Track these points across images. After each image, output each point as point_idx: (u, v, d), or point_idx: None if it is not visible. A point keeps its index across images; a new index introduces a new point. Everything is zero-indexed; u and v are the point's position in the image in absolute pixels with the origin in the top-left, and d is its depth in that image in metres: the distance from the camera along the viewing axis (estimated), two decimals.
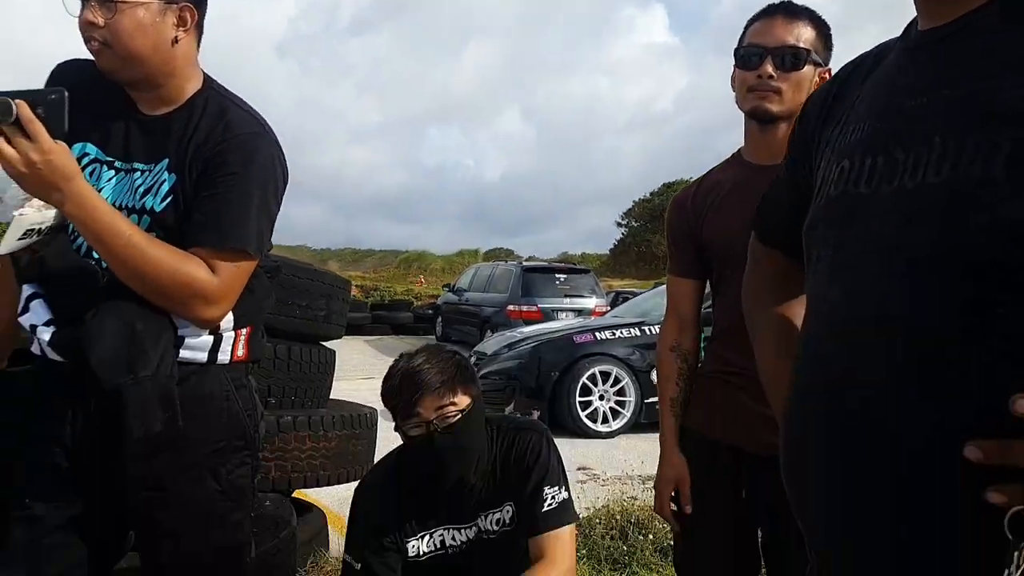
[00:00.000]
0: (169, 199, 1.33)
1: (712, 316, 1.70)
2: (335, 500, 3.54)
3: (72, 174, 1.19)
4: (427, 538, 1.65)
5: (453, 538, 1.66)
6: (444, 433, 1.54)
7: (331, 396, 3.16)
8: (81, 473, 1.33)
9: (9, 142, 1.15)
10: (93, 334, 1.24)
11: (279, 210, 1.44)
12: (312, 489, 2.79)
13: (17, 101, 1.16)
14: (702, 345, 1.75)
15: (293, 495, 2.97)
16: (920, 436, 0.64)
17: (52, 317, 1.31)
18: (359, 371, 8.35)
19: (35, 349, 1.34)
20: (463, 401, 1.58)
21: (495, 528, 1.66)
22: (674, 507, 1.66)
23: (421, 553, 1.64)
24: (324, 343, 2.95)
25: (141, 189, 1.34)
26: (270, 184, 1.38)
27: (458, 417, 1.55)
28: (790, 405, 0.82)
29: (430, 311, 15.93)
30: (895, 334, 0.67)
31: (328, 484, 2.60)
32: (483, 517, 1.66)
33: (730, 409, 1.56)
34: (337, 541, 1.78)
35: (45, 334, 1.30)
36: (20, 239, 1.31)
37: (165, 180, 1.33)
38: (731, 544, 1.59)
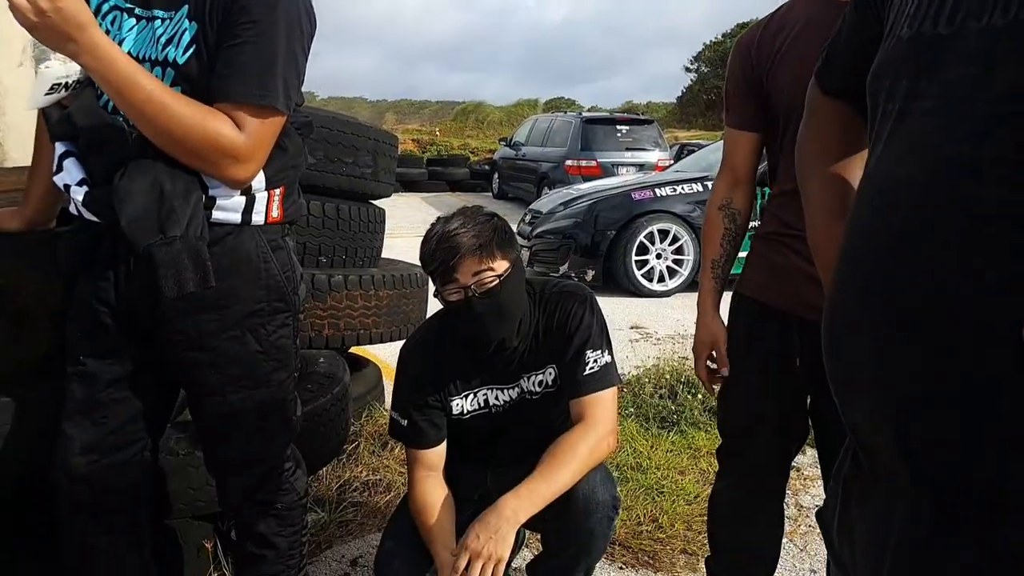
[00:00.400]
0: (191, 49, 1.25)
1: (776, 174, 1.58)
2: (392, 355, 3.65)
3: (85, 23, 1.12)
4: (470, 397, 1.66)
5: (496, 398, 1.67)
6: (482, 298, 1.51)
7: (386, 254, 3.17)
8: (127, 332, 1.35)
9: None
10: (122, 195, 1.21)
11: (307, 59, 1.35)
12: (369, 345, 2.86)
13: None
14: (757, 204, 1.64)
15: (350, 351, 3.07)
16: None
17: (84, 176, 1.29)
18: (415, 229, 8.41)
19: (72, 209, 1.33)
20: (501, 266, 1.53)
21: (537, 389, 1.66)
22: (712, 366, 1.64)
23: (465, 411, 1.67)
24: (373, 201, 2.92)
25: (163, 39, 1.27)
26: (295, 31, 1.28)
27: (495, 282, 1.51)
28: (839, 271, 0.74)
29: (486, 167, 15.77)
30: (970, 205, 0.58)
31: (380, 341, 2.65)
32: (525, 378, 1.66)
33: (785, 273, 1.48)
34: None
35: (78, 194, 1.28)
36: (47, 94, 1.27)
37: (186, 29, 1.25)
38: (775, 408, 1.56)
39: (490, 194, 14.76)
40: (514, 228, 1.74)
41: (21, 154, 2.69)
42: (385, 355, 3.75)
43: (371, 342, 2.62)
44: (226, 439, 1.43)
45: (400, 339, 2.59)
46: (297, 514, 1.56)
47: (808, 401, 1.60)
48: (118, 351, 1.36)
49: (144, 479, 1.44)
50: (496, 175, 14.45)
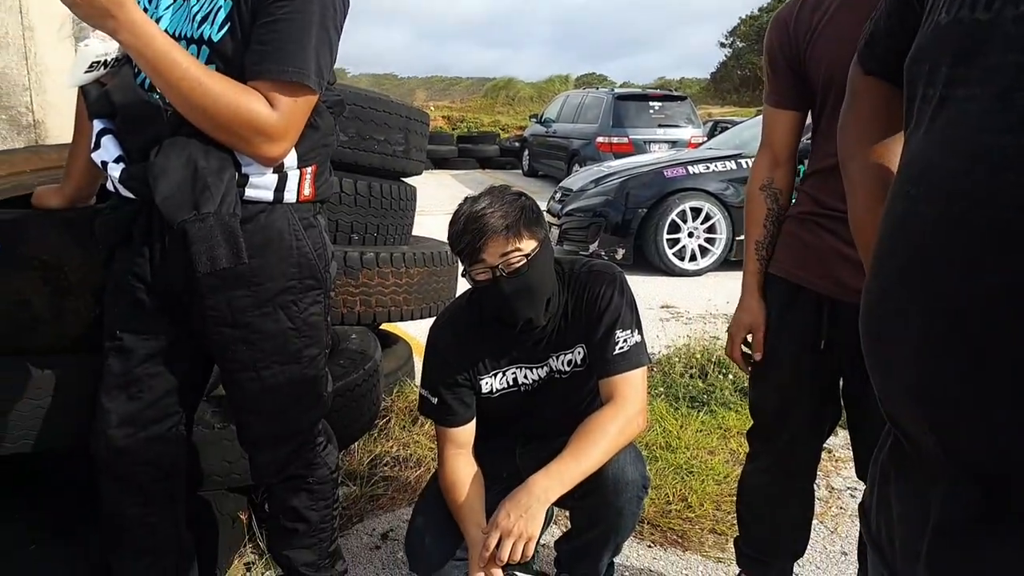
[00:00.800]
0: (226, 27, 1.26)
1: (810, 151, 1.55)
2: (422, 332, 3.67)
3: (124, 0, 1.13)
4: (499, 376, 1.67)
5: (525, 376, 1.68)
6: (509, 278, 1.51)
7: (416, 232, 3.18)
8: (162, 308, 1.38)
9: None
10: (157, 171, 1.23)
11: (340, 38, 1.35)
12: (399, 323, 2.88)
13: None
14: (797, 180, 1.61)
15: (380, 328, 3.09)
16: None
17: (121, 153, 1.31)
18: (444, 206, 8.41)
19: (109, 186, 1.36)
20: (528, 246, 1.52)
21: (566, 368, 1.66)
22: (747, 350, 1.62)
23: (494, 390, 1.67)
24: (404, 179, 2.92)
25: (198, 17, 1.28)
26: (328, 10, 1.29)
27: (523, 262, 1.51)
28: (877, 259, 0.73)
29: (516, 144, 15.68)
30: (1006, 197, 0.56)
31: (411, 319, 2.67)
32: (554, 358, 1.66)
33: (818, 253, 1.46)
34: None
35: (115, 171, 1.30)
36: (87, 72, 1.29)
37: (221, 6, 1.26)
38: (807, 390, 1.54)
39: (520, 171, 14.70)
40: (544, 206, 1.73)
41: (61, 132, 2.73)
42: (415, 332, 3.78)
43: (402, 319, 2.64)
44: (258, 414, 1.45)
45: (430, 316, 2.61)
46: (328, 488, 1.59)
47: (841, 383, 1.58)
48: (153, 326, 1.39)
49: (179, 452, 1.47)
50: (526, 152, 14.36)
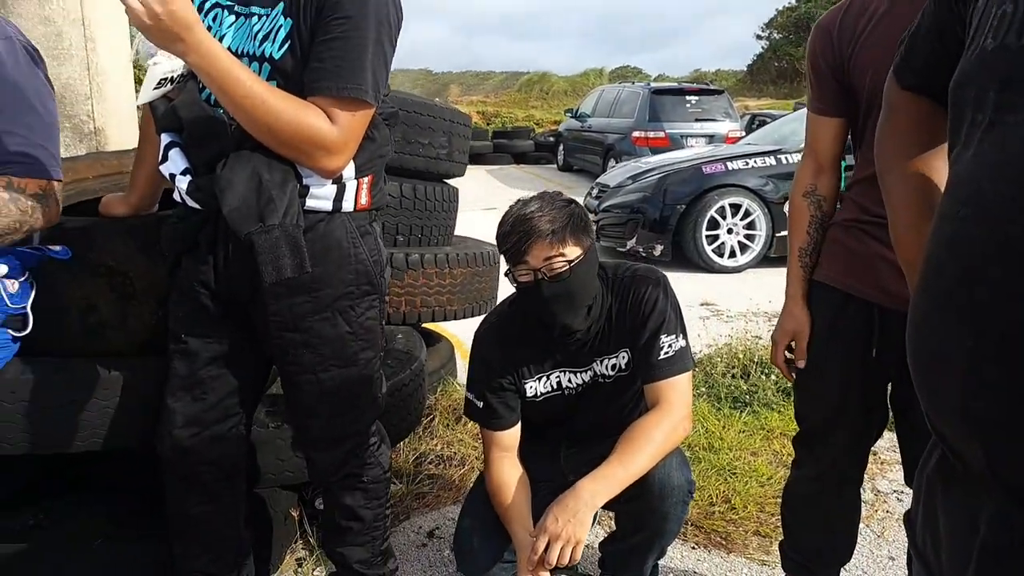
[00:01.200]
0: (287, 45, 1.30)
1: (855, 159, 1.54)
2: (463, 331, 3.71)
3: (192, 23, 1.18)
4: (544, 380, 1.69)
5: (569, 380, 1.70)
6: (551, 283, 1.53)
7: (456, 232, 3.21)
8: (225, 313, 1.43)
9: None
10: (224, 184, 1.28)
11: (395, 50, 1.39)
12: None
13: None
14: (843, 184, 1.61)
15: (424, 327, 3.14)
16: None
17: (188, 166, 1.36)
18: (481, 202, 8.43)
19: (176, 196, 1.41)
20: (573, 252, 1.54)
21: (610, 373, 1.68)
22: (791, 356, 1.62)
23: (538, 394, 1.70)
24: (447, 181, 2.96)
25: (260, 35, 1.32)
26: (384, 25, 1.32)
27: (565, 268, 1.53)
28: (924, 277, 0.73)
29: (551, 139, 15.66)
30: None
31: (454, 318, 2.71)
32: (598, 362, 1.68)
33: (865, 261, 1.46)
34: (464, 369, 1.90)
35: (182, 183, 1.36)
36: (156, 88, 1.35)
37: (282, 25, 1.31)
38: (856, 399, 1.54)
39: (555, 166, 14.68)
40: (580, 201, 1.75)
41: (120, 139, 2.82)
42: (456, 330, 3.82)
43: (445, 319, 2.68)
44: (317, 416, 1.50)
45: (473, 316, 2.64)
46: (382, 487, 1.63)
47: (889, 387, 1.57)
48: (217, 331, 1.45)
49: (240, 451, 1.53)
50: (561, 147, 14.33)
